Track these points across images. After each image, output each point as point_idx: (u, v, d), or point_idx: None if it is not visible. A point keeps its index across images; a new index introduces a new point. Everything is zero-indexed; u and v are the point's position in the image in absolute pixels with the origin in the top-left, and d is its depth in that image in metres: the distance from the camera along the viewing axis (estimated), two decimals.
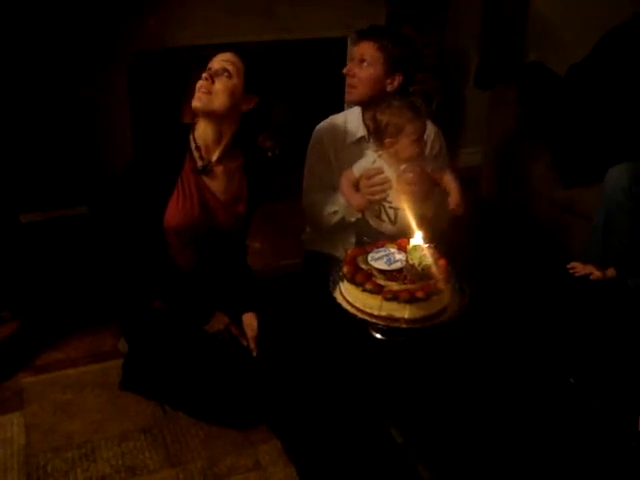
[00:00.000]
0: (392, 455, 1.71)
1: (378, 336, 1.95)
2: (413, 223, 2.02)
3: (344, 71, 2.50)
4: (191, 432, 2.26)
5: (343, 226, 2.53)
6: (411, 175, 2.27)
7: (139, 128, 3.29)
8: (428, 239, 1.94)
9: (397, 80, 2.47)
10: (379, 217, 2.36)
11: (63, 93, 3.05)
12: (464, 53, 4.15)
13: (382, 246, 2.03)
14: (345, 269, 1.96)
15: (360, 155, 2.41)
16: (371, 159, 2.35)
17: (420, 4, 3.67)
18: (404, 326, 1.86)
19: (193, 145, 2.24)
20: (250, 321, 2.30)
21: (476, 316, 2.03)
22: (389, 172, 2.29)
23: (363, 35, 2.49)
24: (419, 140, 2.28)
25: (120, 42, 3.13)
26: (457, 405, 1.79)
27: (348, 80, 2.50)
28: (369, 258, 1.97)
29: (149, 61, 3.26)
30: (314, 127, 2.64)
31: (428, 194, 2.30)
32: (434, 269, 1.92)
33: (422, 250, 1.89)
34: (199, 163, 2.24)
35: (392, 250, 2.01)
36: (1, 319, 2.73)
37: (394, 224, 2.34)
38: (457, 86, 4.18)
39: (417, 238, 1.91)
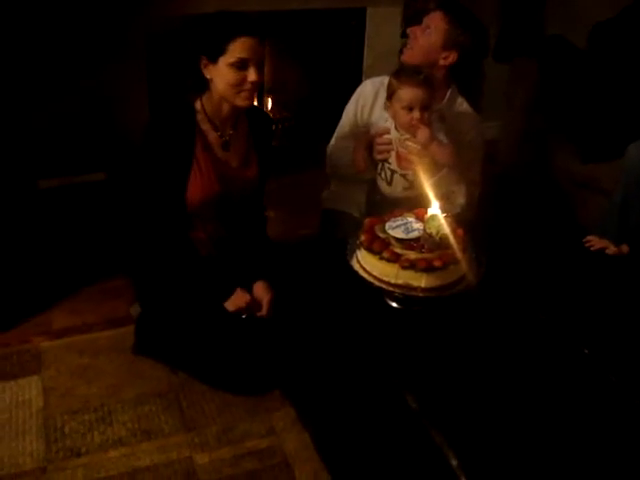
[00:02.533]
0: (406, 422, 1.72)
1: (394, 305, 1.95)
2: (430, 193, 2.02)
3: (407, 30, 2.52)
4: (206, 397, 2.29)
5: (358, 180, 2.57)
6: (409, 144, 2.35)
7: (156, 95, 3.28)
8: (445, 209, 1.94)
9: (452, 57, 2.49)
10: (380, 176, 2.47)
11: (81, 59, 3.04)
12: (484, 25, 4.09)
13: (400, 215, 2.03)
14: (363, 237, 1.95)
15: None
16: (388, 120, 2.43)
17: None
18: (420, 295, 1.86)
19: (206, 124, 2.24)
20: (263, 287, 2.31)
21: (492, 286, 2.02)
22: (394, 135, 2.37)
23: (438, 4, 2.52)
24: (409, 109, 2.31)
25: (140, 7, 3.12)
26: (472, 374, 1.79)
27: (408, 40, 2.52)
28: (387, 227, 1.97)
29: (167, 27, 3.23)
30: (333, 98, 2.64)
31: (433, 170, 2.34)
32: (451, 239, 1.92)
33: (439, 219, 1.89)
34: (220, 140, 2.26)
35: (410, 219, 2.00)
36: None
37: (389, 185, 2.45)
38: (475, 59, 4.12)
39: (434, 208, 1.91)
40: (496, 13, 4.08)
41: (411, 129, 2.35)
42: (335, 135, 2.68)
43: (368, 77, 3.36)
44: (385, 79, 2.55)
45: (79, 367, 2.42)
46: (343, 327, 1.98)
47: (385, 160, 2.43)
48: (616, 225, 2.73)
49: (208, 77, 2.17)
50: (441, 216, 1.90)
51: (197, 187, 2.22)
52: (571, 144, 3.28)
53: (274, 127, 3.91)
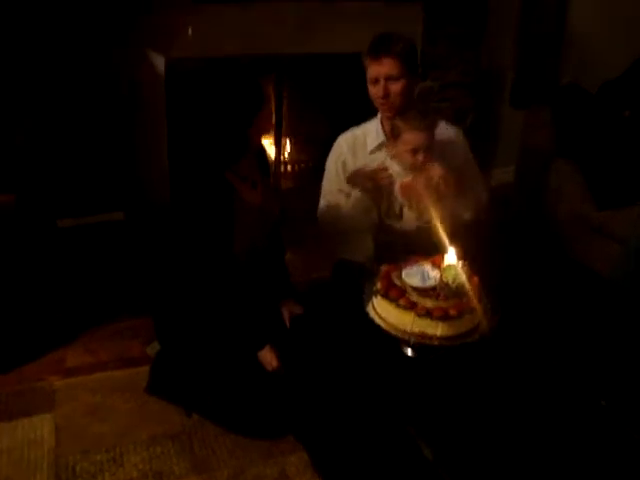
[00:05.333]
0: (422, 472, 1.70)
1: (410, 353, 1.95)
2: (445, 239, 2.04)
3: (380, 95, 2.46)
4: (218, 440, 2.28)
5: (356, 228, 2.57)
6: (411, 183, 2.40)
7: (175, 137, 3.33)
8: (461, 256, 1.95)
9: (418, 82, 2.55)
10: (387, 214, 2.50)
11: (101, 100, 3.09)
12: (499, 71, 4.15)
13: (416, 263, 2.03)
14: (379, 284, 1.96)
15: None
16: (381, 159, 2.50)
17: (457, 23, 3.68)
18: (436, 343, 1.86)
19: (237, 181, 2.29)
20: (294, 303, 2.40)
21: (507, 335, 2.01)
22: (396, 168, 2.43)
23: (381, 51, 2.44)
24: (414, 152, 2.36)
25: (158, 50, 3.19)
26: (487, 423, 1.78)
27: (383, 100, 2.47)
28: (403, 274, 1.97)
29: (186, 70, 3.29)
30: None
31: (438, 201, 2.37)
32: (467, 287, 1.92)
33: (456, 268, 1.90)
34: (255, 195, 2.32)
35: (426, 267, 2.01)
36: None
37: (401, 219, 2.50)
38: (491, 104, 4.17)
39: (451, 256, 1.91)
40: (512, 59, 4.14)
41: (416, 170, 2.39)
42: (322, 196, 2.69)
43: None
44: (356, 130, 2.64)
45: (92, 406, 2.42)
46: (358, 374, 1.97)
47: (391, 195, 2.47)
48: (632, 271, 2.73)
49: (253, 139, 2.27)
50: (457, 264, 1.91)
51: (240, 235, 2.26)
52: (587, 190, 3.28)
53: (290, 168, 3.98)
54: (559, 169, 3.43)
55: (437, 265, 2.00)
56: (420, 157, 2.36)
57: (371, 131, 2.60)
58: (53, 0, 2.84)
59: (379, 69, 2.44)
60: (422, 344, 1.88)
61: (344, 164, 2.61)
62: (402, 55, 2.43)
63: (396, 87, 2.44)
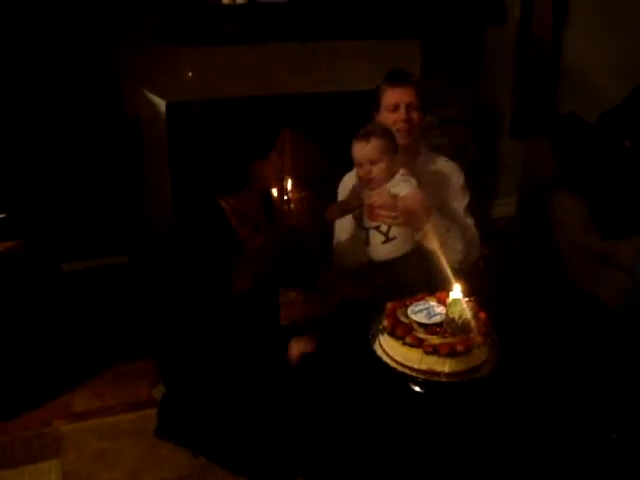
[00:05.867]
0: None
1: (418, 390, 1.94)
2: (451, 275, 2.04)
3: (402, 118, 2.54)
4: None
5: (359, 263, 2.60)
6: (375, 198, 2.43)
7: (178, 179, 3.35)
8: (467, 292, 1.95)
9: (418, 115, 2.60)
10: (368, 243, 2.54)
11: (102, 144, 3.13)
12: (498, 104, 4.18)
13: (421, 299, 2.04)
14: (385, 322, 1.96)
15: None
16: None
17: (454, 57, 3.72)
18: (444, 380, 1.86)
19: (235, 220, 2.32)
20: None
21: (515, 370, 2.01)
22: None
23: (402, 80, 2.57)
24: (359, 165, 2.45)
25: (158, 92, 3.23)
26: (498, 461, 1.77)
27: (405, 124, 2.55)
28: (409, 311, 1.98)
29: (186, 112, 3.33)
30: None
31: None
32: (474, 322, 1.92)
33: (462, 304, 1.90)
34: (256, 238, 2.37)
35: (432, 303, 2.02)
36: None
37: (369, 245, 2.54)
38: (490, 137, 4.21)
39: (456, 291, 1.92)
40: (510, 92, 4.18)
41: (366, 183, 2.46)
42: (334, 236, 2.73)
43: None
44: None
45: (100, 451, 2.40)
46: (366, 413, 1.96)
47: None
48: (638, 300, 2.72)
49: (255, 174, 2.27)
50: (463, 300, 1.91)
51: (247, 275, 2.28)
52: (590, 220, 3.29)
53: (292, 206, 3.99)
54: (561, 199, 3.44)
55: (442, 301, 2.01)
56: (361, 171, 2.44)
57: None
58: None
59: (401, 96, 2.55)
60: (430, 381, 1.87)
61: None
62: (419, 87, 2.58)
63: (415, 115, 2.56)
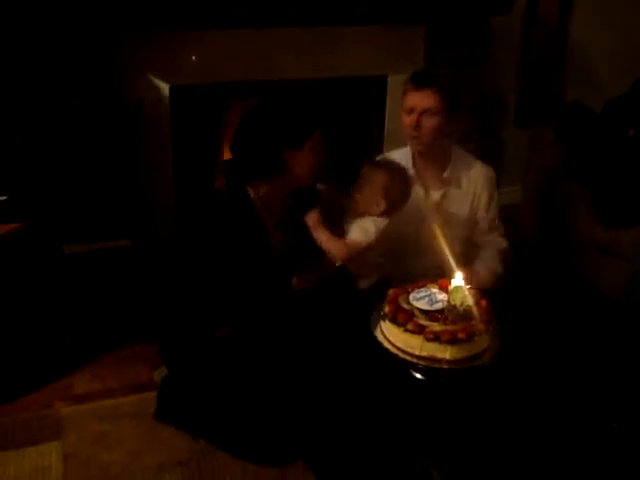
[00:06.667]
0: None
1: (419, 376, 1.94)
2: (452, 262, 2.04)
3: (411, 126, 2.45)
4: (228, 468, 2.25)
5: None
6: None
7: (181, 162, 3.35)
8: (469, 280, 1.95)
9: (459, 121, 2.58)
10: None
11: (107, 125, 3.11)
12: (503, 92, 4.16)
13: (423, 286, 2.03)
14: (387, 309, 1.96)
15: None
16: None
17: (459, 44, 3.69)
18: (445, 367, 1.86)
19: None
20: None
21: (516, 357, 2.01)
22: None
23: (425, 82, 2.43)
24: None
25: (162, 76, 3.22)
26: (497, 447, 1.77)
27: (412, 131, 2.46)
28: (411, 298, 1.98)
29: (190, 96, 3.32)
30: (354, 165, 2.66)
31: None
32: (475, 310, 1.92)
33: (463, 291, 1.90)
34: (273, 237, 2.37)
35: (434, 290, 2.01)
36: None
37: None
38: (495, 125, 4.19)
39: (458, 279, 1.91)
40: (515, 79, 4.16)
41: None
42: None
43: (389, 144, 3.45)
44: (391, 154, 2.67)
45: (100, 433, 2.41)
46: (367, 398, 1.96)
47: None
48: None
49: (286, 163, 2.25)
50: (465, 287, 1.91)
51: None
52: (593, 209, 3.28)
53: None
54: (565, 189, 3.43)
55: (444, 288, 2.01)
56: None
57: (402, 160, 2.56)
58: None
59: (418, 100, 2.42)
60: (431, 368, 1.87)
61: None
62: (443, 90, 2.42)
63: (430, 122, 2.43)
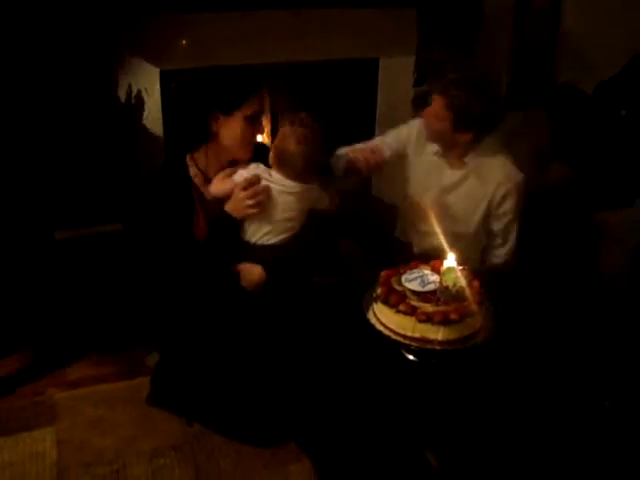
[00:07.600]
0: (425, 477, 1.70)
1: (411, 357, 1.94)
2: (445, 244, 2.04)
3: (422, 116, 2.55)
4: (222, 451, 2.27)
5: None
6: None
7: (172, 147, 3.33)
8: (461, 260, 1.94)
9: (467, 136, 2.45)
10: None
11: (98, 110, 3.09)
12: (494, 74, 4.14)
13: (416, 267, 2.03)
14: (379, 290, 1.96)
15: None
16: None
17: (451, 26, 3.67)
18: (437, 348, 1.86)
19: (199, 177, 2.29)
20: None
21: (508, 338, 2.01)
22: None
23: (440, 91, 2.42)
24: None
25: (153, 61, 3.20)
26: (491, 427, 1.78)
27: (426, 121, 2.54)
28: (403, 279, 1.97)
29: (180, 79, 3.29)
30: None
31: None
32: (467, 291, 1.92)
33: (456, 272, 1.89)
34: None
35: (426, 272, 2.01)
36: None
37: None
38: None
39: (450, 260, 1.91)
40: (508, 60, 4.14)
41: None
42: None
43: (381, 126, 3.44)
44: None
45: (94, 419, 2.41)
46: (360, 380, 1.97)
47: None
48: (631, 271, 2.73)
49: (215, 130, 2.20)
50: (457, 268, 1.90)
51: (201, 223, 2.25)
52: (584, 190, 3.28)
53: None
54: (556, 170, 3.43)
55: (437, 269, 2.00)
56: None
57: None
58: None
59: (432, 104, 2.45)
60: (424, 349, 1.88)
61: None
62: (449, 99, 2.37)
63: (436, 125, 2.46)
